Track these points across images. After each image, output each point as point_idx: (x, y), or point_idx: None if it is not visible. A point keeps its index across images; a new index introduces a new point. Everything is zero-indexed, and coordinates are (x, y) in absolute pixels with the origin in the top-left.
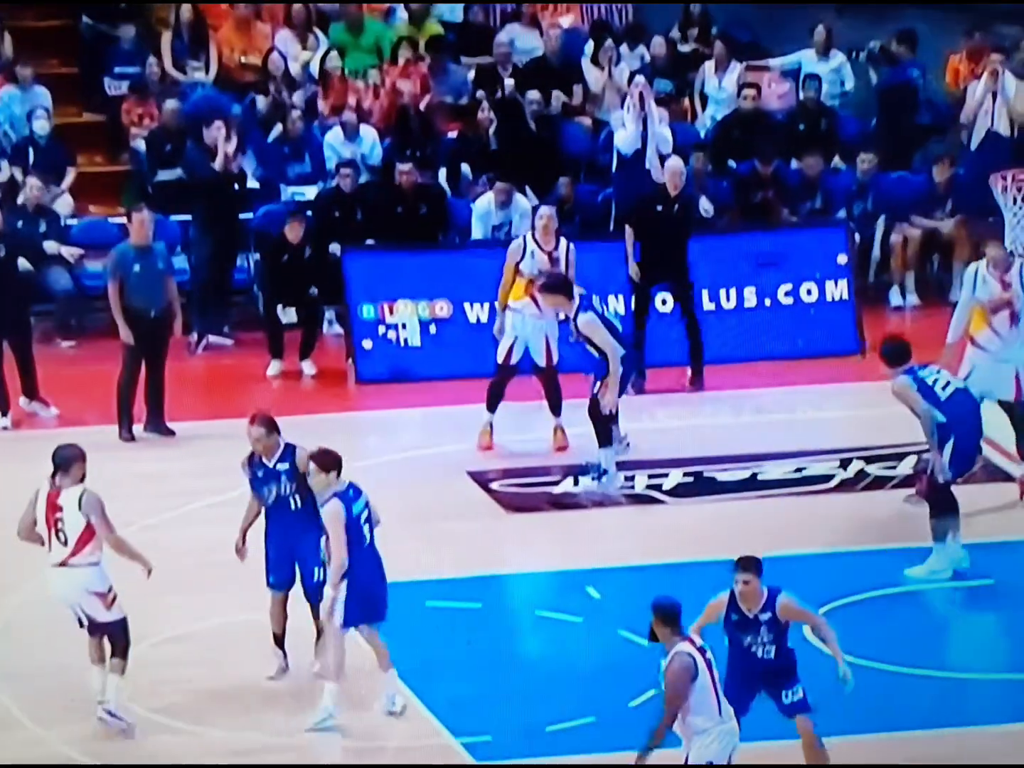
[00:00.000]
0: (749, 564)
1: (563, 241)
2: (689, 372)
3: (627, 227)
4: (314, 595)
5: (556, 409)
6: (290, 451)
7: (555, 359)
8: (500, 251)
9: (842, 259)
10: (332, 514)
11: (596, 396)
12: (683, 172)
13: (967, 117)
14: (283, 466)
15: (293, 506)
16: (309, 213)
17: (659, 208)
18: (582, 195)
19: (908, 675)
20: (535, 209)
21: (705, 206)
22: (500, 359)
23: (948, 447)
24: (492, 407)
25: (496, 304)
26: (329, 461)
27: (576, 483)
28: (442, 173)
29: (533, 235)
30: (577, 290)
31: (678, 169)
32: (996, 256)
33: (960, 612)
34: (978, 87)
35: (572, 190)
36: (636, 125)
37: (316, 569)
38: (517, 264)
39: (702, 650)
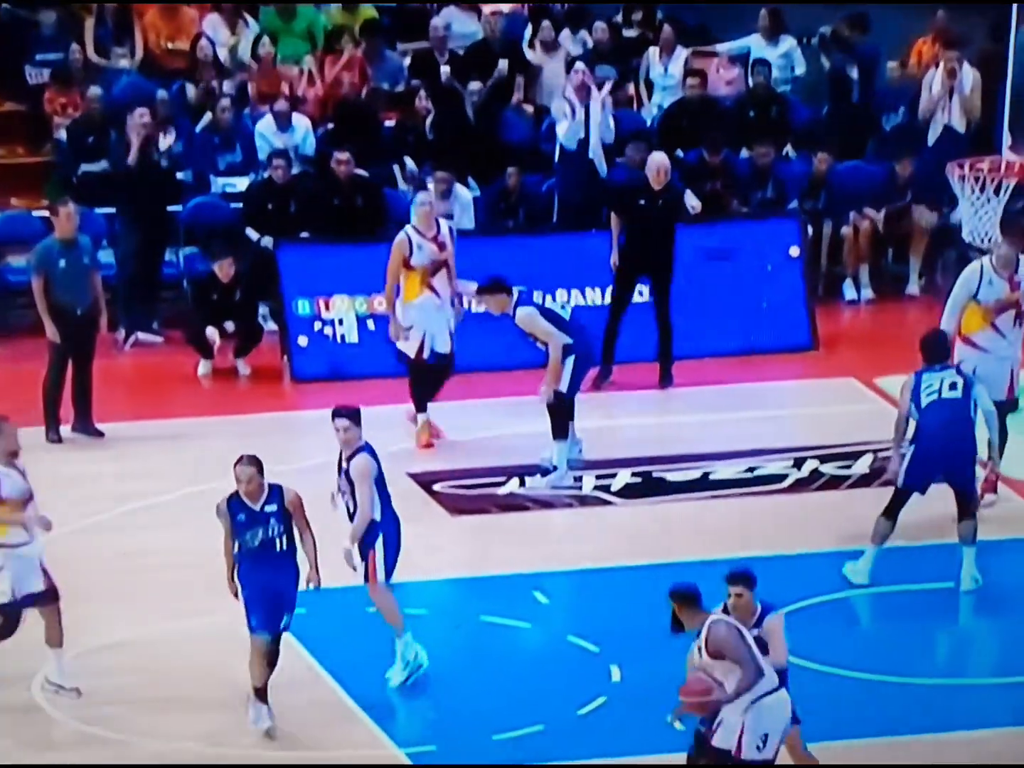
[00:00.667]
0: (739, 577)
1: (443, 223)
2: (659, 370)
3: (613, 216)
4: (279, 637)
5: (424, 404)
6: (277, 492)
7: (453, 347)
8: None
9: (794, 251)
10: (362, 468)
11: (557, 389)
12: (667, 167)
13: (925, 112)
14: (271, 508)
15: (279, 547)
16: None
17: (642, 202)
18: (524, 186)
19: (863, 680)
20: (418, 192)
21: (692, 202)
22: (412, 354)
23: (909, 453)
24: (422, 406)
25: (385, 305)
26: (356, 415)
27: (522, 484)
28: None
29: (413, 226)
30: (516, 289)
31: (661, 164)
32: (1006, 255)
33: (919, 616)
34: (934, 82)
35: (519, 180)
36: (578, 114)
37: (285, 616)
38: (406, 259)
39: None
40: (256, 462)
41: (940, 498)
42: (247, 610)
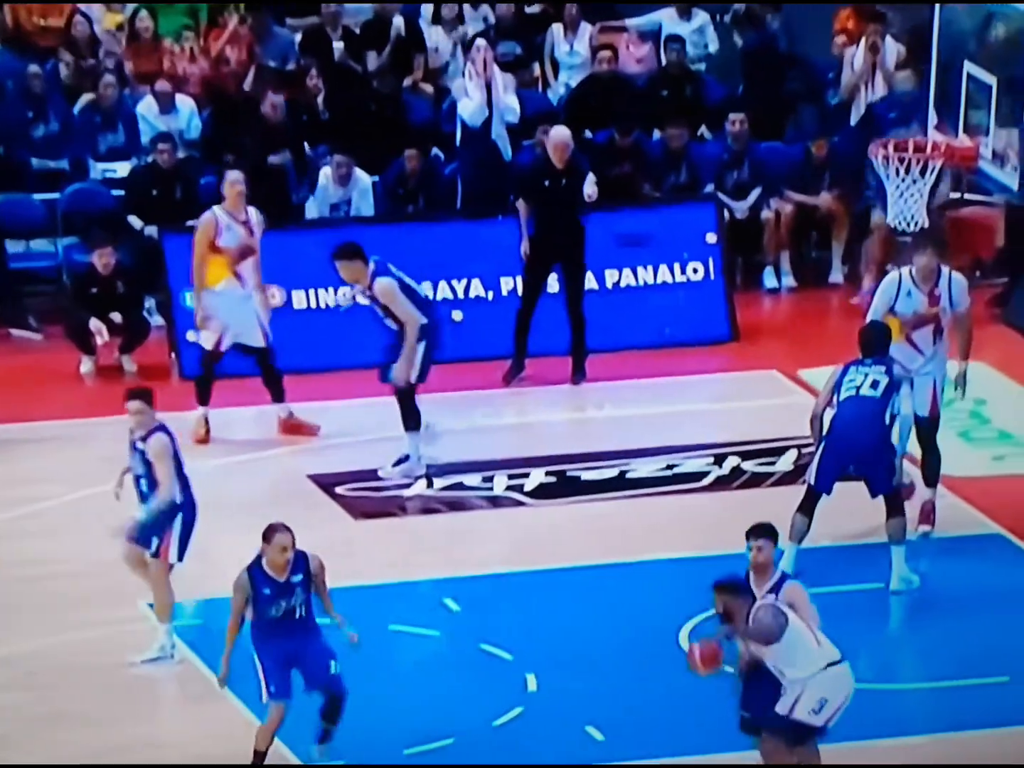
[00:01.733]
0: (761, 530)
1: (251, 209)
2: (571, 364)
3: (520, 203)
4: (336, 687)
5: (278, 395)
6: (302, 560)
7: (268, 339)
8: (338, 232)
9: (711, 238)
10: (162, 447)
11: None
12: (568, 143)
13: (846, 90)
14: (297, 578)
15: (299, 615)
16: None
17: (546, 184)
18: (425, 170)
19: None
20: (225, 175)
21: (589, 191)
22: (210, 346)
23: (819, 451)
24: (204, 399)
25: (193, 290)
26: (149, 396)
27: (430, 485)
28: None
29: (223, 207)
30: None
31: (562, 141)
32: (926, 267)
33: (848, 618)
34: (856, 59)
35: (418, 164)
36: (480, 94)
37: (331, 663)
38: (213, 241)
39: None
40: (291, 532)
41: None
42: (265, 678)
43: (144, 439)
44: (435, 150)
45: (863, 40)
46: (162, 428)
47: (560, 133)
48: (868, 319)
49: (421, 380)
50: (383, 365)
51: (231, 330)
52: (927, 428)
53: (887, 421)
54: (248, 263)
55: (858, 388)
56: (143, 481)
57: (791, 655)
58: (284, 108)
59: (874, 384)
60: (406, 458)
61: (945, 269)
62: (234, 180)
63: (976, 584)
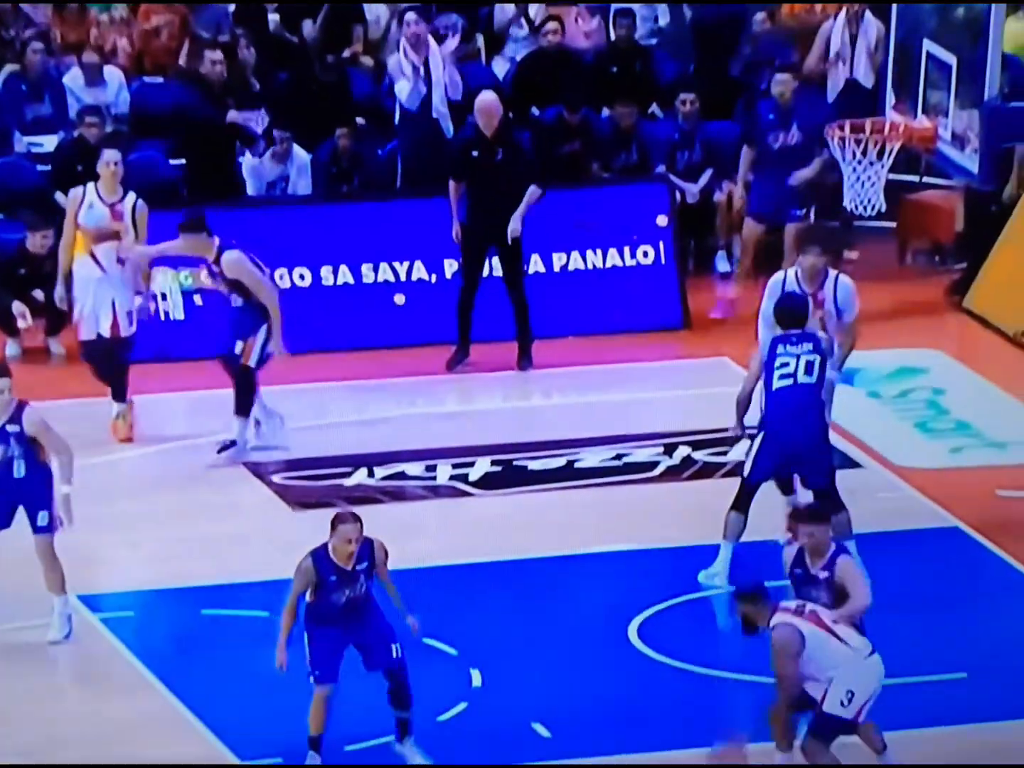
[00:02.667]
0: (808, 516)
1: (131, 195)
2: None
3: (451, 181)
4: (400, 670)
5: (120, 394)
6: (368, 548)
7: (123, 330)
8: (275, 211)
9: (662, 220)
10: (41, 420)
11: (239, 357)
12: (497, 110)
13: (814, 64)
14: (362, 566)
15: (361, 603)
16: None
17: (475, 155)
18: (363, 148)
19: (735, 681)
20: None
21: (514, 226)
22: (83, 336)
23: (756, 443)
24: (119, 396)
25: (61, 267)
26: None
27: (371, 474)
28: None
29: (96, 184)
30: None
31: (490, 107)
32: (812, 267)
33: None
34: (834, 30)
35: (350, 142)
36: (415, 72)
37: (394, 647)
38: (76, 215)
39: (799, 610)
40: (359, 521)
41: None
42: (312, 660)
43: (12, 420)
44: (363, 124)
45: (843, 12)
46: (24, 402)
47: (485, 97)
48: (761, 322)
49: (260, 367)
50: (230, 342)
51: (89, 313)
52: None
53: (826, 411)
54: (108, 247)
55: (793, 375)
56: (19, 463)
57: (818, 663)
58: (225, 67)
59: (808, 368)
60: (232, 444)
61: (832, 272)
62: (109, 160)
63: (932, 579)
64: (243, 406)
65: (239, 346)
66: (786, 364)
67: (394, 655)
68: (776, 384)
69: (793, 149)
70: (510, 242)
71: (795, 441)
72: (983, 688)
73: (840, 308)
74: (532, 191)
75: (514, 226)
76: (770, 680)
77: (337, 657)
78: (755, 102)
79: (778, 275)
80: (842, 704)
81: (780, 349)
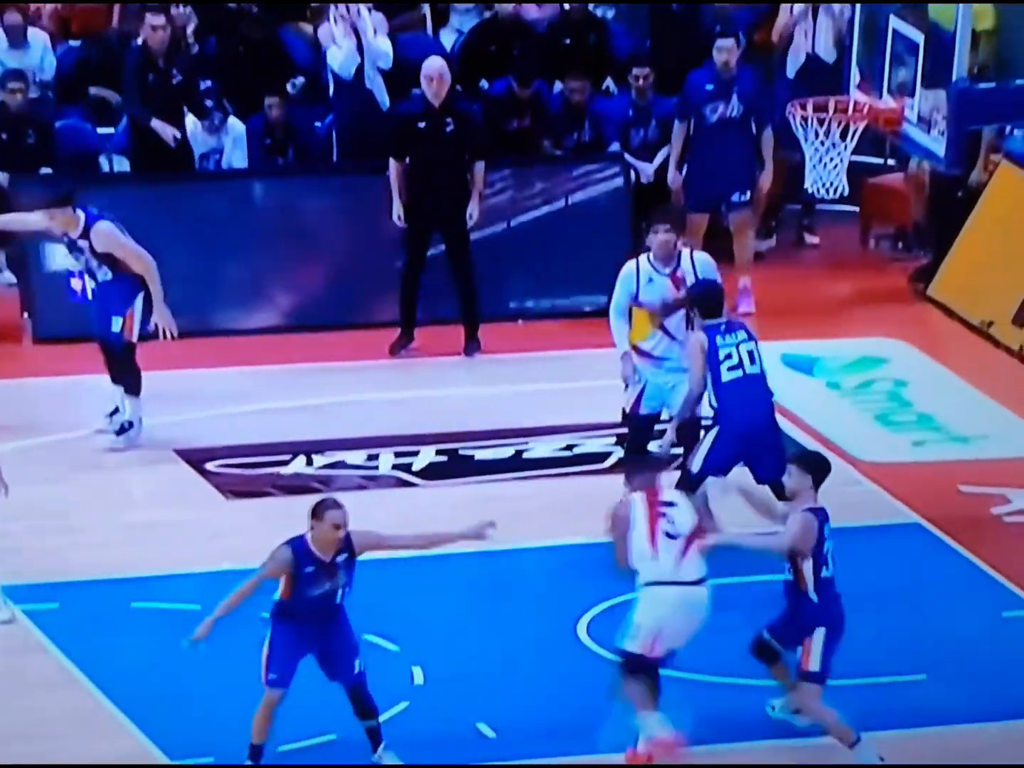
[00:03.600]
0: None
1: None
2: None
3: (391, 159)
4: (361, 685)
5: None
6: (347, 538)
7: None
8: (208, 186)
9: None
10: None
11: (120, 335)
12: (445, 76)
13: (779, 35)
14: (342, 558)
15: (337, 600)
16: None
17: (422, 126)
18: (297, 120)
19: (686, 680)
20: None
21: (471, 210)
22: None
23: (710, 437)
24: None
25: None
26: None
27: (309, 463)
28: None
29: None
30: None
31: (435, 71)
32: (662, 246)
33: (760, 610)
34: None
35: (281, 112)
36: (348, 40)
37: (356, 661)
38: None
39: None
40: (343, 508)
41: None
42: (269, 661)
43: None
44: (296, 91)
45: None
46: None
47: (433, 63)
48: (613, 313)
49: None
50: (105, 319)
51: None
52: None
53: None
54: None
55: (741, 366)
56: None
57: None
58: (168, 31)
59: (751, 358)
60: (130, 425)
61: (686, 249)
62: None
63: (892, 576)
64: (133, 385)
65: (117, 323)
66: (729, 356)
67: (356, 670)
68: (726, 376)
69: (733, 123)
70: (461, 224)
71: (752, 433)
72: (942, 689)
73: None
74: (480, 169)
75: (473, 212)
76: (726, 680)
77: (295, 661)
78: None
79: (629, 264)
80: (630, 637)
81: (719, 341)
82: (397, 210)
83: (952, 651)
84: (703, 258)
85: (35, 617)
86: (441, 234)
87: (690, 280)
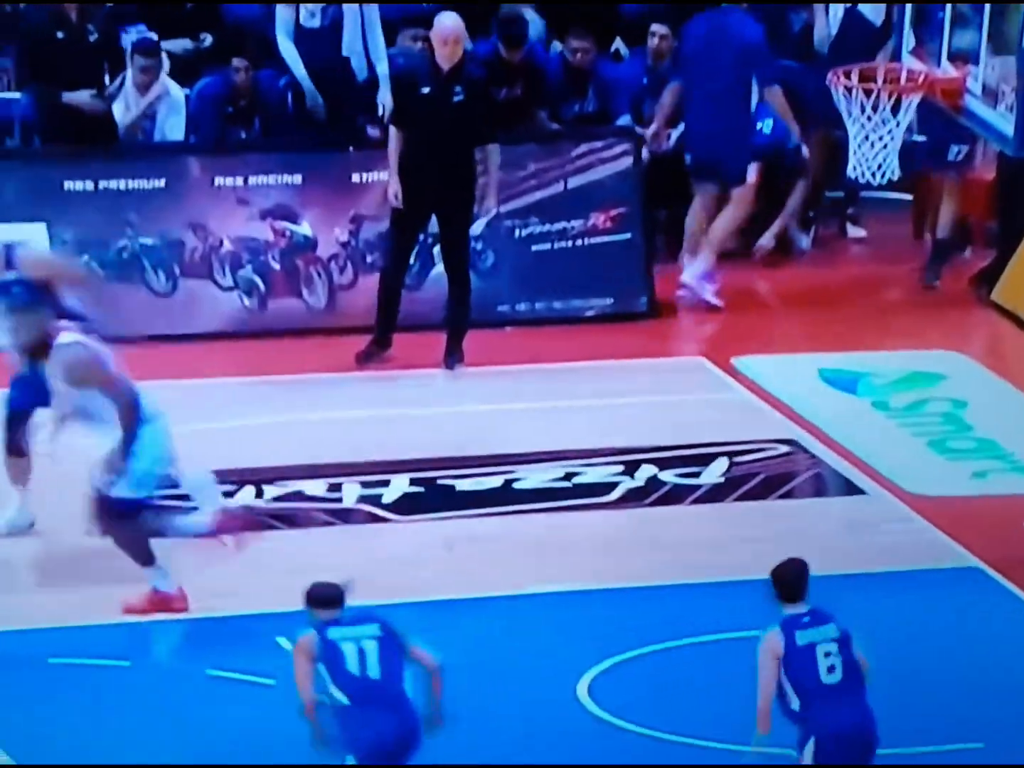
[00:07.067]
0: None
1: None
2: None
3: (391, 128)
4: None
5: None
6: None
7: None
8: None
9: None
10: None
11: None
12: (459, 34)
13: None
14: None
15: None
16: None
17: (426, 91)
18: (264, 82)
19: (702, 748)
20: None
21: (489, 203)
22: None
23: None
24: None
25: None
26: None
27: (259, 494)
28: None
29: None
30: None
31: (450, 31)
32: None
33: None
34: None
35: (250, 77)
36: None
37: None
38: None
39: None
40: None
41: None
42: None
43: None
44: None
45: None
46: None
47: (446, 21)
48: None
49: None
50: None
51: None
52: None
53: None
54: None
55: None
56: None
57: None
58: None
59: None
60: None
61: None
62: None
63: (947, 628)
64: None
65: None
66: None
67: None
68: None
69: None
70: (464, 212)
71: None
72: (1002, 759)
73: None
74: (495, 151)
75: (490, 203)
76: (746, 748)
77: None
78: None
79: None
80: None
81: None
82: (394, 187)
83: (1014, 715)
84: None
85: None
86: (438, 222)
87: None
